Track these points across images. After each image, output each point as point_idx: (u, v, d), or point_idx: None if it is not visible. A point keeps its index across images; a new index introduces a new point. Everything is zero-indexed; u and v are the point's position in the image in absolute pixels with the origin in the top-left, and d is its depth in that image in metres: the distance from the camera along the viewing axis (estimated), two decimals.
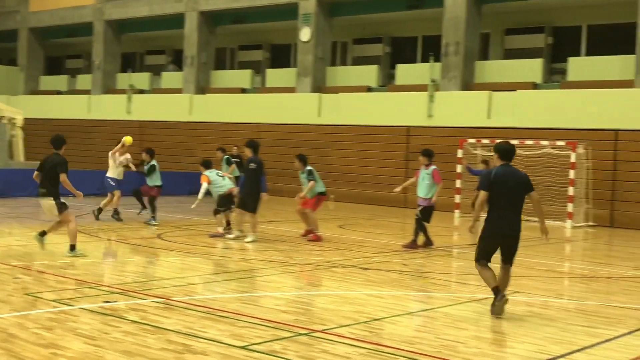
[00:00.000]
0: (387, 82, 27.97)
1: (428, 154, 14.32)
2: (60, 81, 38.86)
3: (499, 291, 8.36)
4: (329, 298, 9.30)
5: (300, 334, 7.25)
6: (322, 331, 7.41)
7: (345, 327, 7.61)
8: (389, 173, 25.45)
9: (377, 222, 20.12)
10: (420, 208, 14.24)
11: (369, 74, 27.76)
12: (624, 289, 11.03)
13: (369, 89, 27.25)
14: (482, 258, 8.56)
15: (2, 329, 6.95)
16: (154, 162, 16.89)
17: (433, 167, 14.15)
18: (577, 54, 24.64)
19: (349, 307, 8.69)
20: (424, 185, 14.16)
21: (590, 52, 24.57)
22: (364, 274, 11.23)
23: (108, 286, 9.32)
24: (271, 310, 8.34)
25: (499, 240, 8.55)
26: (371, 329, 7.65)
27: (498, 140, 21.81)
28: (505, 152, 8.72)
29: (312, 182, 15.07)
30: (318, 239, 14.95)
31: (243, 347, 6.65)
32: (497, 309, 8.33)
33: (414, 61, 28.03)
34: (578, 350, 7.10)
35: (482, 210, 8.60)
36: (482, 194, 8.59)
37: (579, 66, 23.53)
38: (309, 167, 15.29)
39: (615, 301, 10.01)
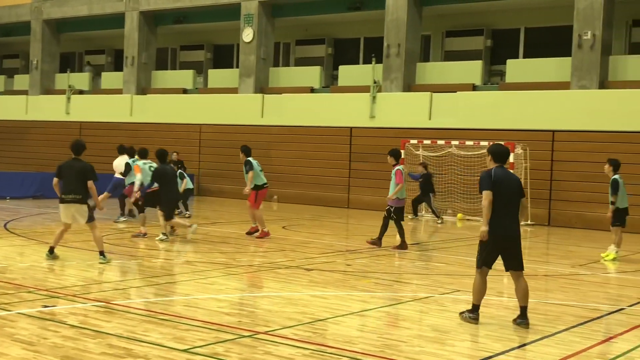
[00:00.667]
0: (330, 83, 28.06)
1: (393, 154, 14.58)
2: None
3: (477, 308, 8.20)
4: (272, 299, 9.28)
5: (244, 336, 7.22)
6: (265, 333, 7.39)
7: (289, 329, 7.60)
8: (332, 174, 25.56)
9: (321, 222, 20.16)
10: (387, 207, 14.56)
11: (312, 74, 27.79)
12: (562, 287, 11.28)
13: (312, 90, 27.29)
14: (484, 264, 8.22)
15: None
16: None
17: (397, 167, 14.37)
18: (515, 56, 25.10)
19: (293, 308, 8.69)
20: (391, 185, 14.48)
21: (528, 55, 25.05)
22: (308, 274, 11.24)
23: (47, 290, 9.12)
24: (214, 312, 8.28)
25: (498, 244, 8.18)
26: (315, 329, 7.66)
27: (440, 142, 22.38)
28: (500, 154, 8.40)
29: (250, 173, 15.25)
30: (265, 235, 15.20)
31: (185, 350, 6.58)
32: (465, 319, 8.21)
33: (356, 62, 28.18)
34: (517, 347, 7.24)
35: (491, 211, 8.11)
36: (488, 194, 8.13)
37: (517, 68, 23.96)
38: (248, 159, 15.35)
39: (553, 298, 10.22)
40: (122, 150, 18.43)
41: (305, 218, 21.16)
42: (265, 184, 15.79)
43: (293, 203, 25.72)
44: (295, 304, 8.96)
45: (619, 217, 14.13)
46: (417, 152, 23.02)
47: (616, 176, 14.12)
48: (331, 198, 25.53)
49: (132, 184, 17.39)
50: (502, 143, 8.71)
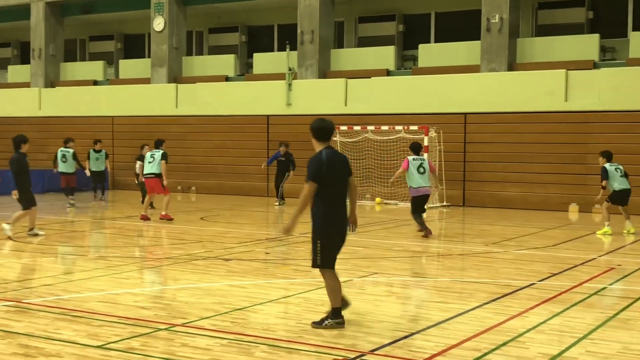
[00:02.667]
0: (245, 71, 27.89)
1: (411, 148, 14.99)
2: None
3: (339, 311, 7.28)
4: (189, 291, 9.19)
5: (160, 329, 7.13)
6: (182, 325, 7.32)
7: (207, 319, 7.55)
8: (250, 163, 25.42)
9: (239, 212, 20.07)
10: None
11: (226, 63, 27.57)
12: (476, 265, 11.56)
13: (227, 79, 27.07)
14: (330, 265, 7.28)
15: None
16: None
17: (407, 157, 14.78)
18: (427, 40, 25.45)
19: (211, 299, 8.63)
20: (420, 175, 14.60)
21: (439, 39, 25.43)
22: (226, 264, 11.18)
23: None
24: (129, 307, 8.15)
25: (339, 238, 7.35)
26: (233, 319, 7.63)
27: (356, 127, 22.53)
28: (325, 130, 7.25)
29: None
30: (143, 218, 16.81)
31: (99, 347, 6.46)
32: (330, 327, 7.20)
33: (271, 50, 28.05)
34: (432, 326, 7.38)
35: (307, 205, 7.19)
36: (311, 186, 7.07)
37: (428, 53, 24.32)
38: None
39: (468, 277, 10.48)
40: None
41: (223, 208, 21.03)
42: (146, 174, 16.92)
43: (211, 194, 25.53)
44: (214, 294, 8.91)
45: (611, 197, 15.26)
46: (334, 138, 23.13)
47: (606, 164, 15.23)
48: (250, 187, 25.44)
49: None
50: (325, 118, 7.42)
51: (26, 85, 30.85)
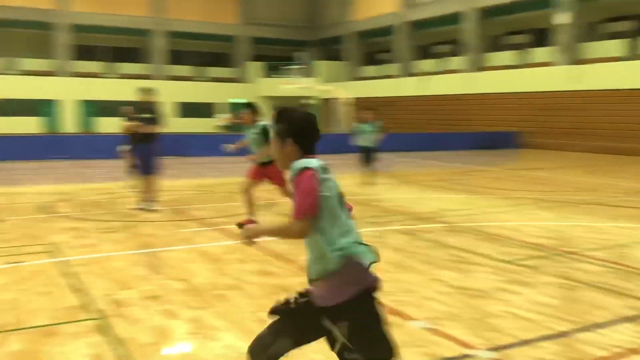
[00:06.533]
0: None
1: None
2: (375, 70, 40.15)
3: None
4: (582, 227, 8.70)
5: (556, 255, 6.95)
6: (571, 253, 7.03)
7: (593, 251, 7.12)
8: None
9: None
10: None
11: None
12: None
13: None
14: None
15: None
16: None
17: None
18: None
19: (596, 235, 8.08)
20: None
21: None
22: (615, 209, 10.25)
23: (409, 214, 9.61)
24: (530, 235, 8.08)
25: None
26: (614, 253, 7.05)
27: None
28: None
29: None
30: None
31: (508, 262, 6.58)
32: None
33: None
34: None
35: None
36: None
37: None
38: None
39: None
40: None
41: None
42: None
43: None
44: (599, 232, 8.31)
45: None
46: None
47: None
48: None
49: None
50: None
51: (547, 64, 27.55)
